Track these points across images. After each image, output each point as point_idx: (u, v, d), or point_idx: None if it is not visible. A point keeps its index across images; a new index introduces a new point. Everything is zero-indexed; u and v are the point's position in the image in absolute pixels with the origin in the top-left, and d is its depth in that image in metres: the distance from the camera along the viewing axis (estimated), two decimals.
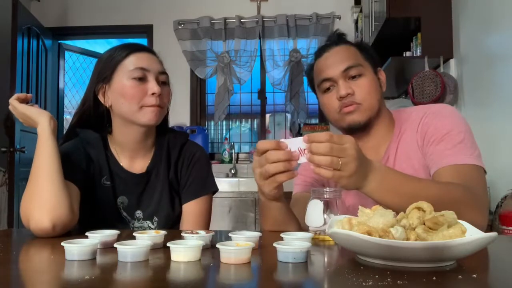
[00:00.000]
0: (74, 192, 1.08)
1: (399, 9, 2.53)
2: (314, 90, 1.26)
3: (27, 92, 1.29)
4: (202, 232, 0.85)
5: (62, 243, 0.72)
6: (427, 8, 2.55)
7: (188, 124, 3.83)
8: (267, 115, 4.03)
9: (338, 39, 1.22)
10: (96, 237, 0.82)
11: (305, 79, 3.39)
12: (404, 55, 2.70)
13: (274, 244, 0.71)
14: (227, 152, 3.75)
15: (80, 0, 3.97)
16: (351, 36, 2.99)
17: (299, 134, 3.68)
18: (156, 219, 1.21)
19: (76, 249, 0.71)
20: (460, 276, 0.61)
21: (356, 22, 3.65)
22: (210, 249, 0.81)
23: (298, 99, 3.73)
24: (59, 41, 4.09)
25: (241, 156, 3.83)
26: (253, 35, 3.77)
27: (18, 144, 3.19)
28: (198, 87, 3.92)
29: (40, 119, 1.06)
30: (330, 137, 0.83)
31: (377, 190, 0.90)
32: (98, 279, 0.61)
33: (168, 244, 0.71)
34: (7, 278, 0.64)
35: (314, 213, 0.94)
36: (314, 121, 3.96)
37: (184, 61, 3.80)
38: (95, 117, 1.20)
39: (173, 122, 3.58)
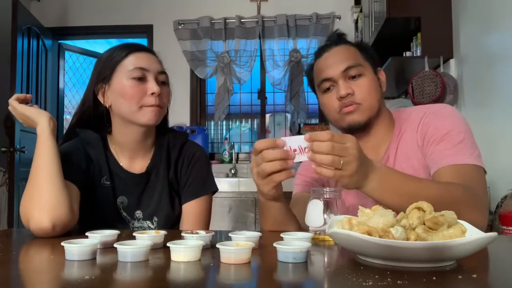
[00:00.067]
0: (74, 192, 1.08)
1: (399, 9, 2.53)
2: (314, 90, 1.26)
3: (27, 92, 1.29)
4: (202, 232, 0.85)
5: (62, 243, 0.72)
6: (427, 8, 2.55)
7: (188, 124, 3.83)
8: (267, 115, 4.03)
9: (338, 39, 1.22)
10: (96, 237, 0.82)
11: (305, 79, 3.39)
12: (404, 55, 2.70)
13: (274, 244, 0.71)
14: (227, 152, 3.75)
15: (80, 0, 3.97)
16: (351, 36, 2.98)
17: (299, 134, 3.67)
18: (156, 219, 1.21)
19: (76, 249, 0.71)
20: (460, 276, 0.61)
21: (356, 22, 3.65)
22: (210, 249, 0.81)
23: (298, 99, 3.73)
24: (59, 41, 4.09)
25: (241, 156, 3.83)
26: (253, 35, 3.77)
27: (18, 144, 3.19)
28: (198, 87, 3.92)
29: (39, 119, 1.06)
30: (331, 136, 0.83)
31: (377, 190, 0.90)
32: (98, 279, 0.61)
33: (168, 244, 0.71)
34: (7, 278, 0.64)
35: (314, 213, 0.94)
36: (314, 121, 3.96)
37: (184, 61, 3.80)
38: (94, 117, 1.20)
39: (173, 122, 3.58)
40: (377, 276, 0.60)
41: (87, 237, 0.83)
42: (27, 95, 1.12)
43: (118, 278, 0.63)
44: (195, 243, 0.73)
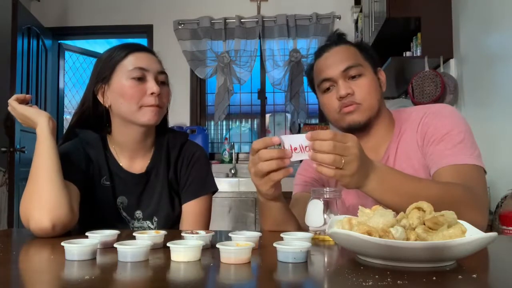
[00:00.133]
0: (74, 192, 1.08)
1: (399, 9, 2.53)
2: (314, 90, 1.26)
3: (27, 92, 1.29)
4: (202, 232, 0.85)
5: (62, 243, 0.72)
6: (427, 8, 2.55)
7: (188, 124, 3.83)
8: (267, 115, 4.03)
9: (338, 39, 1.22)
10: (96, 237, 0.82)
11: (305, 79, 3.39)
12: (404, 55, 2.70)
13: (274, 244, 0.71)
14: (227, 152, 3.75)
15: (80, 0, 3.97)
16: (351, 36, 2.99)
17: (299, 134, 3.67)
18: (156, 219, 1.21)
19: (76, 249, 0.71)
20: (460, 276, 0.61)
21: (356, 22, 3.65)
22: (210, 249, 0.81)
23: (298, 99, 3.73)
24: (59, 41, 4.09)
25: (241, 156, 3.83)
26: (253, 35, 3.77)
27: (18, 144, 3.20)
28: (198, 87, 3.92)
29: (39, 119, 1.06)
30: (333, 135, 0.83)
31: (378, 190, 0.90)
32: (98, 279, 0.61)
33: (168, 244, 0.71)
34: (7, 278, 0.64)
35: (314, 213, 0.94)
36: (314, 121, 3.96)
37: (184, 61, 3.80)
38: (94, 117, 1.20)
39: (173, 122, 3.58)
40: (377, 276, 0.60)
41: (87, 237, 0.83)
42: (27, 95, 1.12)
43: (118, 278, 0.63)
44: (195, 243, 0.73)
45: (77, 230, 1.08)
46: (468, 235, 0.67)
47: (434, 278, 0.60)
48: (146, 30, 3.91)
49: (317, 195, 0.96)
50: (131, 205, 1.20)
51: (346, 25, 3.62)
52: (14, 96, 1.10)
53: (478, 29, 2.27)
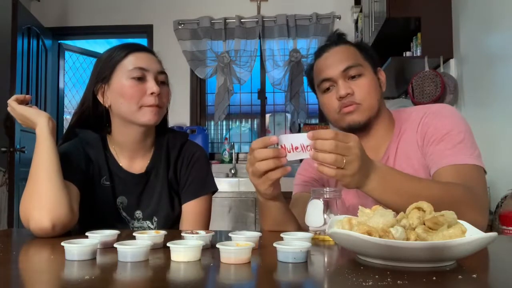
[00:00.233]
0: (74, 192, 1.08)
1: (399, 9, 2.53)
2: (314, 90, 1.26)
3: (27, 92, 1.29)
4: (202, 232, 0.85)
5: (62, 243, 0.72)
6: (427, 8, 2.55)
7: (188, 124, 3.83)
8: (267, 115, 4.03)
9: (338, 39, 1.22)
10: (96, 237, 0.82)
11: (305, 79, 3.38)
12: (404, 55, 2.70)
13: (274, 244, 0.71)
14: (227, 152, 3.75)
15: (80, 0, 3.97)
16: (351, 36, 2.98)
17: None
18: (156, 219, 1.21)
19: (76, 249, 0.71)
20: (460, 276, 0.61)
21: (356, 22, 3.65)
22: (210, 249, 0.81)
23: (298, 99, 3.73)
24: (59, 41, 4.09)
25: (241, 156, 3.82)
26: (253, 35, 3.77)
27: (18, 144, 3.20)
28: (198, 87, 3.92)
29: (38, 120, 1.06)
30: (335, 134, 0.83)
31: (378, 190, 0.90)
32: (98, 279, 0.61)
33: (168, 244, 0.71)
34: (7, 278, 0.64)
35: (314, 213, 0.94)
36: (314, 121, 3.96)
37: (184, 61, 3.80)
38: (94, 117, 1.20)
39: (173, 122, 3.58)
40: (377, 276, 0.60)
41: (87, 237, 0.83)
42: (26, 96, 1.12)
43: (118, 278, 0.63)
44: (195, 243, 0.73)
45: (77, 230, 1.08)
46: (468, 235, 0.67)
47: (434, 278, 0.60)
48: (146, 30, 3.91)
49: (317, 195, 0.96)
50: (131, 205, 1.20)
51: (346, 25, 3.62)
52: (14, 97, 1.10)
53: (478, 29, 2.27)
